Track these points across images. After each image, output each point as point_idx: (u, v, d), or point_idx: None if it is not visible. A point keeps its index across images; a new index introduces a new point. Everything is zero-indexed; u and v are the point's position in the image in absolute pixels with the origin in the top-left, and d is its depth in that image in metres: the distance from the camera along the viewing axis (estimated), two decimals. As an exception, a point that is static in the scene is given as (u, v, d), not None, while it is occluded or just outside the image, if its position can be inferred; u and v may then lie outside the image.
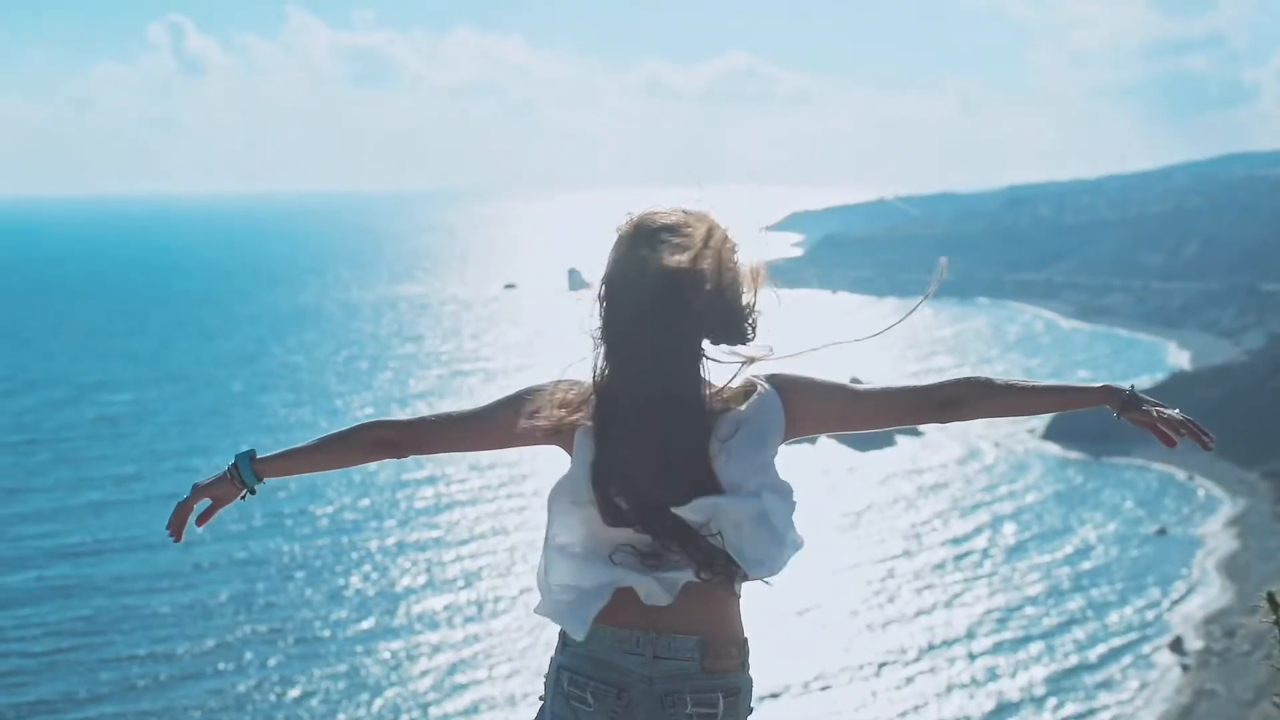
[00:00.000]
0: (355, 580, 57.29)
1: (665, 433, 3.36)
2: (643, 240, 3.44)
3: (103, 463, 73.68)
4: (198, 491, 3.62)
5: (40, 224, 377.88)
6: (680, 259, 3.39)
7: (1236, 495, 71.66)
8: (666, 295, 3.38)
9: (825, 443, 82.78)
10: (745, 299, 3.52)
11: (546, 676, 3.49)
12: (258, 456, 3.63)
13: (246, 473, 3.60)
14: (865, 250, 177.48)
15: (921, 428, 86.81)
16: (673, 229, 3.46)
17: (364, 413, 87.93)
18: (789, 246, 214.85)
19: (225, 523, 55.45)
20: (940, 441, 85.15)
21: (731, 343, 3.47)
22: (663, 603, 3.36)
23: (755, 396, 3.45)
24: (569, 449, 3.47)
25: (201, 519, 3.64)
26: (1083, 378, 77.25)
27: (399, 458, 3.63)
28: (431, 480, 71.63)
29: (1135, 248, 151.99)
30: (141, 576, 56.21)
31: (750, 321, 3.51)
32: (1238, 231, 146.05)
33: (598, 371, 3.45)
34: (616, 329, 3.42)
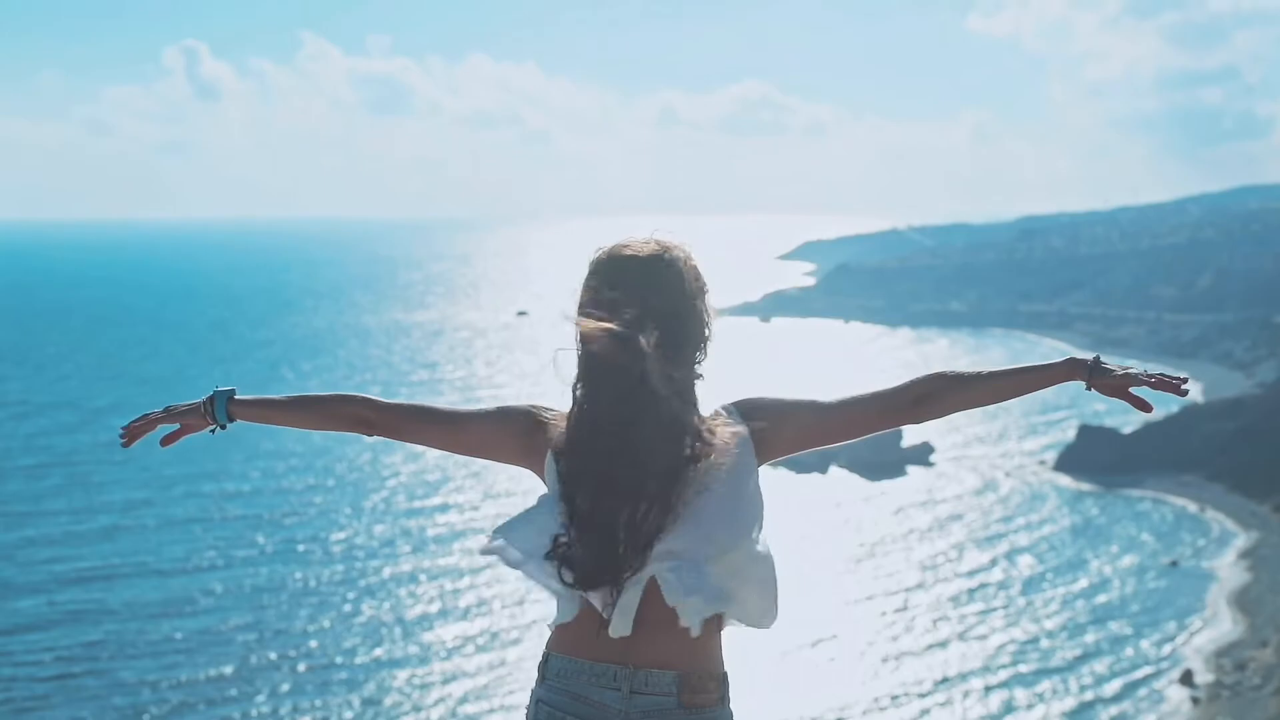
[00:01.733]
0: (367, 608, 57.17)
1: (638, 455, 3.35)
2: (612, 268, 3.49)
3: (114, 487, 73.71)
4: (170, 414, 3.66)
5: (54, 248, 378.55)
6: (646, 285, 3.44)
7: (1249, 528, 71.47)
8: (636, 321, 3.38)
9: (838, 473, 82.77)
10: (706, 330, 3.52)
11: (527, 709, 3.50)
12: (236, 396, 3.66)
13: (220, 411, 3.64)
14: (878, 280, 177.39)
15: (933, 458, 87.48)
16: (644, 262, 3.48)
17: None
18: (802, 276, 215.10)
19: (235, 549, 55.70)
20: (954, 473, 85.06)
21: (682, 369, 3.45)
22: (618, 626, 3.33)
23: (727, 441, 3.43)
24: (540, 472, 3.51)
25: (167, 440, 3.69)
26: (1099, 411, 77.17)
27: (369, 435, 3.68)
28: (445, 508, 71.67)
29: (1149, 279, 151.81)
30: (152, 602, 56.18)
31: (703, 349, 3.51)
32: (1251, 264, 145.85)
33: (575, 398, 3.47)
34: (591, 361, 3.44)
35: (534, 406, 3.58)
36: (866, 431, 3.55)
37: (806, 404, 3.52)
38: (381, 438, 3.68)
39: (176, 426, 3.67)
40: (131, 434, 3.65)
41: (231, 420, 3.66)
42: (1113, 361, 3.49)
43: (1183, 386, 3.41)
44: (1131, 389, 3.47)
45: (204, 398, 3.65)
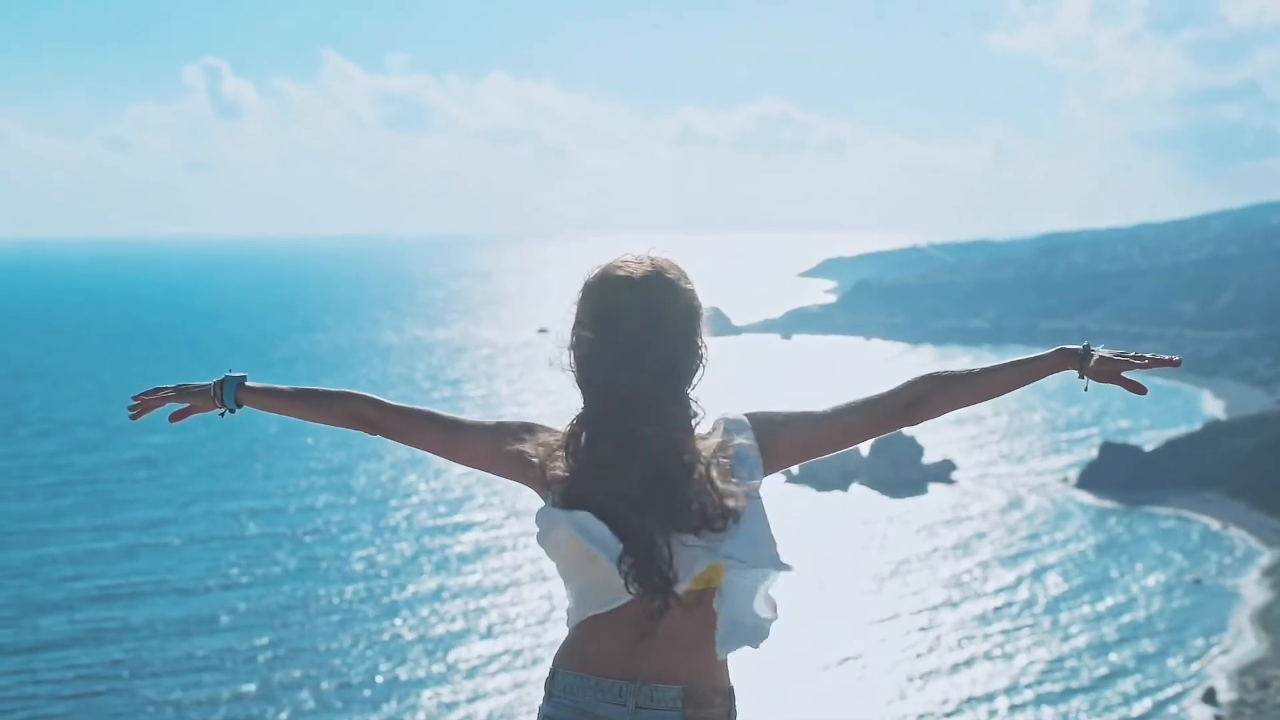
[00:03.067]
0: (389, 626, 57.16)
1: (642, 474, 3.35)
2: (609, 292, 3.49)
3: (135, 505, 73.91)
4: (181, 392, 3.73)
5: (75, 265, 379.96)
6: (647, 312, 3.44)
7: (1271, 545, 71.23)
8: (633, 349, 3.41)
9: (860, 491, 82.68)
10: (700, 355, 3.51)
11: None
12: (247, 383, 3.69)
13: (229, 396, 3.69)
14: (899, 297, 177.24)
15: (954, 475, 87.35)
16: (638, 285, 3.47)
17: (399, 453, 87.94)
18: (823, 293, 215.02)
19: (257, 567, 55.70)
20: (976, 490, 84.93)
21: (680, 389, 3.46)
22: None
23: (734, 453, 3.44)
24: (538, 489, 3.50)
25: (175, 416, 3.76)
26: (1121, 428, 77.07)
27: (370, 434, 3.71)
28: (468, 526, 71.70)
29: (1170, 296, 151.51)
30: (174, 620, 56.26)
31: (698, 368, 3.51)
32: (1273, 280, 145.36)
33: (575, 417, 3.49)
34: (589, 379, 3.47)
35: (534, 425, 3.59)
36: (865, 437, 3.59)
37: (804, 414, 3.55)
38: (384, 438, 3.70)
39: (186, 405, 3.73)
40: (143, 406, 3.75)
41: (239, 406, 3.70)
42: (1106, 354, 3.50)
43: (1176, 361, 3.48)
44: (1125, 373, 3.48)
45: (215, 380, 3.70)
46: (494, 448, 3.57)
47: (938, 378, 3.55)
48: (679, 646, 3.37)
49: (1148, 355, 3.47)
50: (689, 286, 3.52)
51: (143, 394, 3.73)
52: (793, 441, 3.52)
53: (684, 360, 3.47)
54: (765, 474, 3.48)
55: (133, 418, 3.79)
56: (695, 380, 3.49)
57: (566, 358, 3.51)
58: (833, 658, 52.81)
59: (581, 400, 3.49)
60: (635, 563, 3.30)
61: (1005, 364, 3.56)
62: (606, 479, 3.35)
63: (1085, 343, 3.51)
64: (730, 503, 3.34)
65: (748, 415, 3.53)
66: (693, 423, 3.44)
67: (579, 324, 3.50)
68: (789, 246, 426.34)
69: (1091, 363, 3.48)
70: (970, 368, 3.57)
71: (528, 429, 3.57)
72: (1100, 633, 59.45)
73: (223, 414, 3.72)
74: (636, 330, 3.42)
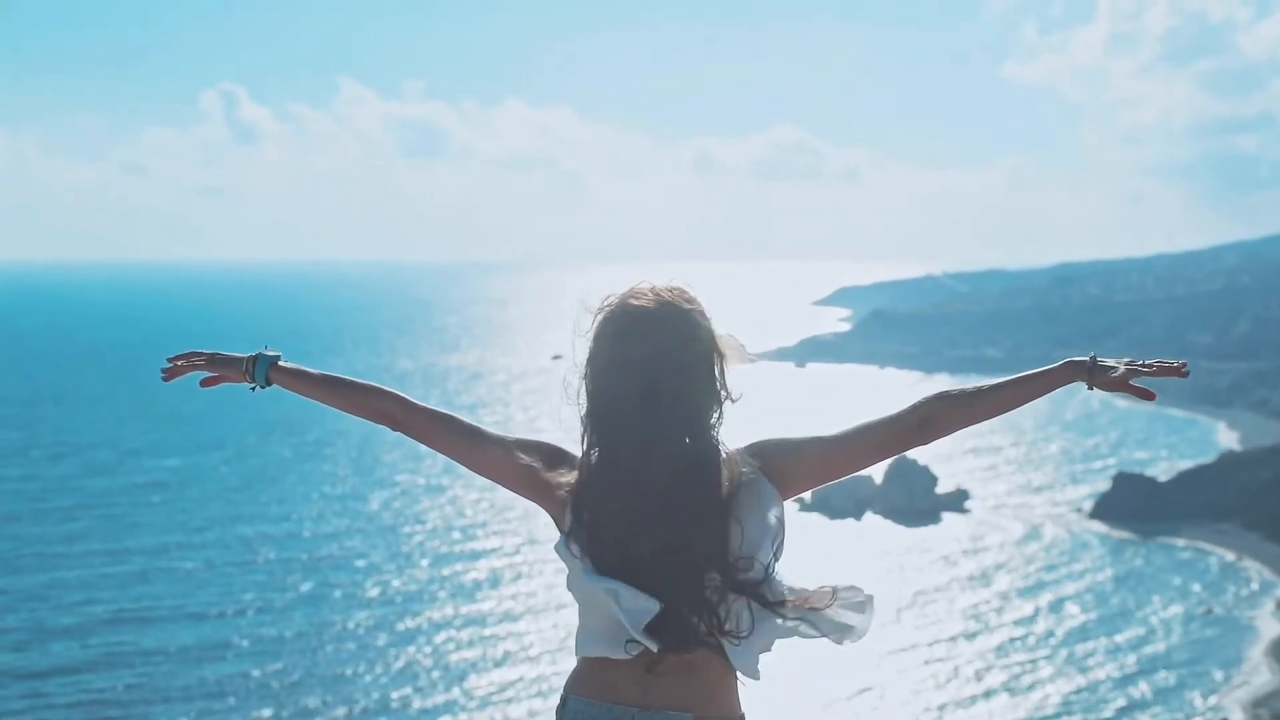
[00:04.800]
0: (404, 654, 57.01)
1: (646, 502, 3.34)
2: (623, 325, 3.45)
3: (148, 529, 73.91)
4: (213, 361, 3.74)
5: (90, 289, 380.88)
6: (658, 346, 3.41)
7: (1287, 578, 70.95)
8: (648, 384, 3.39)
9: (873, 520, 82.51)
10: (717, 379, 3.48)
11: None
12: (280, 363, 3.71)
13: (261, 374, 3.69)
14: (913, 326, 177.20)
15: (968, 504, 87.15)
16: (655, 317, 3.44)
17: (413, 479, 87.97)
18: (837, 321, 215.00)
19: (270, 592, 55.54)
20: (990, 520, 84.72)
21: (704, 422, 3.45)
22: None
23: (751, 488, 3.42)
24: (554, 513, 3.49)
25: (206, 383, 3.77)
26: (1136, 459, 76.89)
27: (393, 430, 3.69)
28: (483, 553, 71.59)
29: (1185, 326, 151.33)
30: (188, 646, 56.16)
31: (720, 399, 3.48)
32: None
33: (586, 450, 3.48)
34: (601, 415, 3.46)
35: (559, 449, 3.58)
36: (877, 459, 3.55)
37: (814, 439, 3.52)
38: (405, 435, 3.68)
39: (216, 373, 3.75)
40: (174, 372, 3.75)
41: (269, 384, 3.71)
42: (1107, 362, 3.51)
43: (1183, 370, 3.46)
44: (1132, 381, 3.47)
45: (249, 354, 3.72)
46: (513, 465, 3.57)
47: (947, 396, 3.52)
48: (691, 675, 3.35)
49: (1154, 362, 3.47)
50: (708, 317, 3.50)
51: (176, 358, 3.74)
52: (805, 468, 3.49)
53: (704, 401, 3.45)
54: (780, 499, 3.46)
55: (164, 380, 3.79)
56: (717, 414, 3.47)
57: (577, 394, 3.50)
58: (850, 688, 52.64)
59: (588, 440, 3.47)
60: (665, 634, 3.31)
61: (1014, 379, 3.54)
62: (624, 548, 3.34)
63: (1092, 354, 3.50)
64: (741, 626, 3.34)
65: (758, 444, 3.51)
66: (716, 463, 3.41)
67: (592, 360, 3.49)
68: (803, 275, 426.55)
69: (1098, 373, 3.47)
70: (980, 385, 3.54)
71: (558, 456, 3.56)
72: (1117, 665, 59.23)
73: (253, 389, 3.73)
74: (652, 369, 3.40)
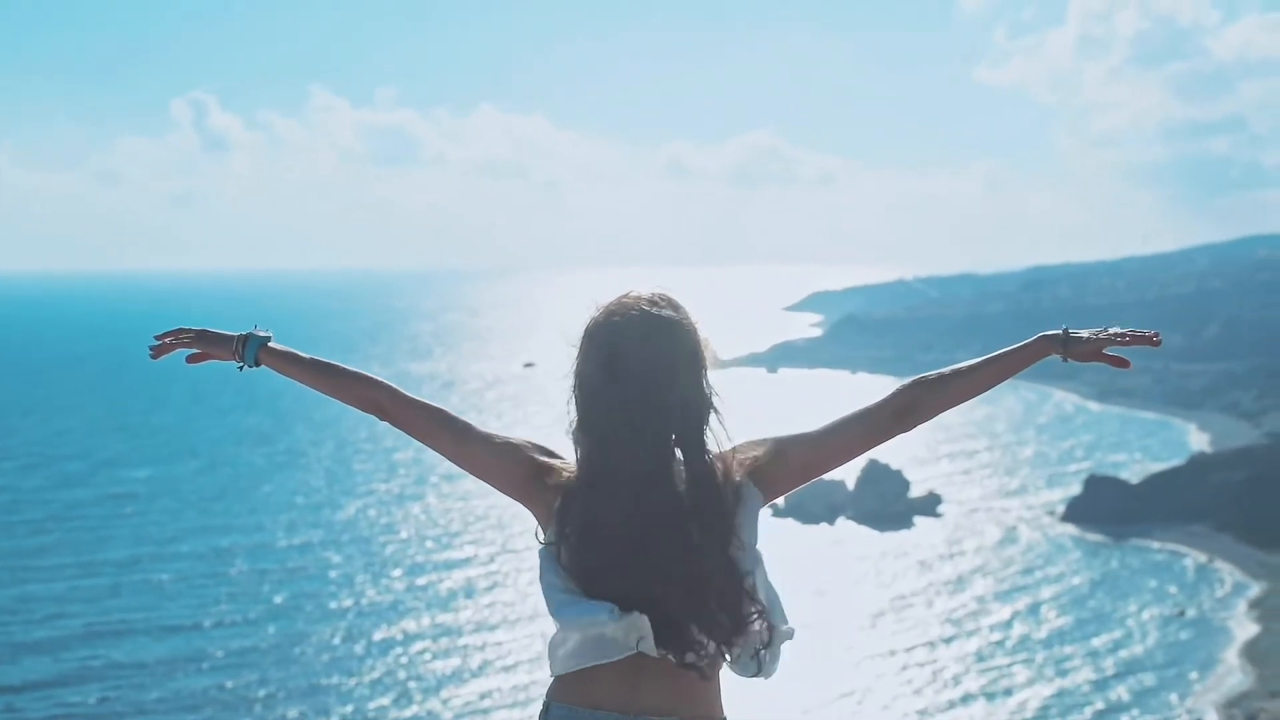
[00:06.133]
0: (380, 665, 56.62)
1: (644, 520, 3.33)
2: (612, 336, 3.45)
3: (120, 541, 73.44)
4: (202, 338, 3.73)
5: (64, 299, 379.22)
6: (649, 357, 3.41)
7: (1258, 578, 71.21)
8: (640, 397, 3.38)
9: (846, 525, 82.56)
10: (707, 387, 3.49)
11: None
12: (270, 345, 3.70)
13: (250, 354, 3.70)
14: (886, 330, 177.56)
15: (940, 509, 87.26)
16: (644, 327, 3.43)
17: (387, 488, 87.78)
18: (809, 326, 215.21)
19: (246, 605, 55.13)
20: (962, 524, 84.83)
21: (699, 433, 3.44)
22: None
23: (745, 499, 3.43)
24: (538, 513, 3.49)
25: (192, 359, 3.78)
26: (1117, 462, 77.06)
27: (380, 420, 3.70)
28: (461, 563, 71.32)
29: (1156, 329, 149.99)
30: (161, 659, 55.74)
31: (712, 406, 3.48)
32: (1259, 313, 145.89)
33: (578, 462, 3.46)
34: (592, 428, 3.44)
35: (549, 452, 3.55)
36: (860, 451, 3.56)
37: (798, 437, 3.53)
38: (393, 426, 3.70)
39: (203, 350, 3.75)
40: (161, 349, 3.75)
41: (258, 365, 3.71)
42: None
43: (1155, 339, 3.56)
44: (1106, 350, 3.53)
45: (240, 333, 3.71)
46: (500, 465, 3.55)
47: (924, 382, 3.54)
48: (675, 679, 3.34)
49: (1127, 331, 3.53)
50: (696, 327, 3.50)
51: (165, 334, 3.73)
52: (793, 468, 3.50)
53: (698, 411, 3.45)
54: (767, 499, 3.48)
55: (152, 357, 3.78)
56: (709, 429, 3.45)
57: (572, 400, 3.49)
58: (830, 693, 52.63)
59: (580, 453, 3.46)
60: (667, 643, 3.32)
61: (989, 357, 3.59)
62: (616, 565, 3.33)
63: (1064, 326, 3.56)
64: (750, 634, 3.36)
65: (743, 446, 3.50)
66: (719, 491, 3.40)
67: (581, 372, 3.49)
68: (775, 280, 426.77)
69: (1072, 345, 3.53)
70: (956, 366, 3.57)
71: (547, 459, 3.54)
72: (1094, 668, 59.32)
73: (241, 368, 3.73)
74: (644, 381, 3.40)
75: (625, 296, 3.50)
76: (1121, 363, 3.53)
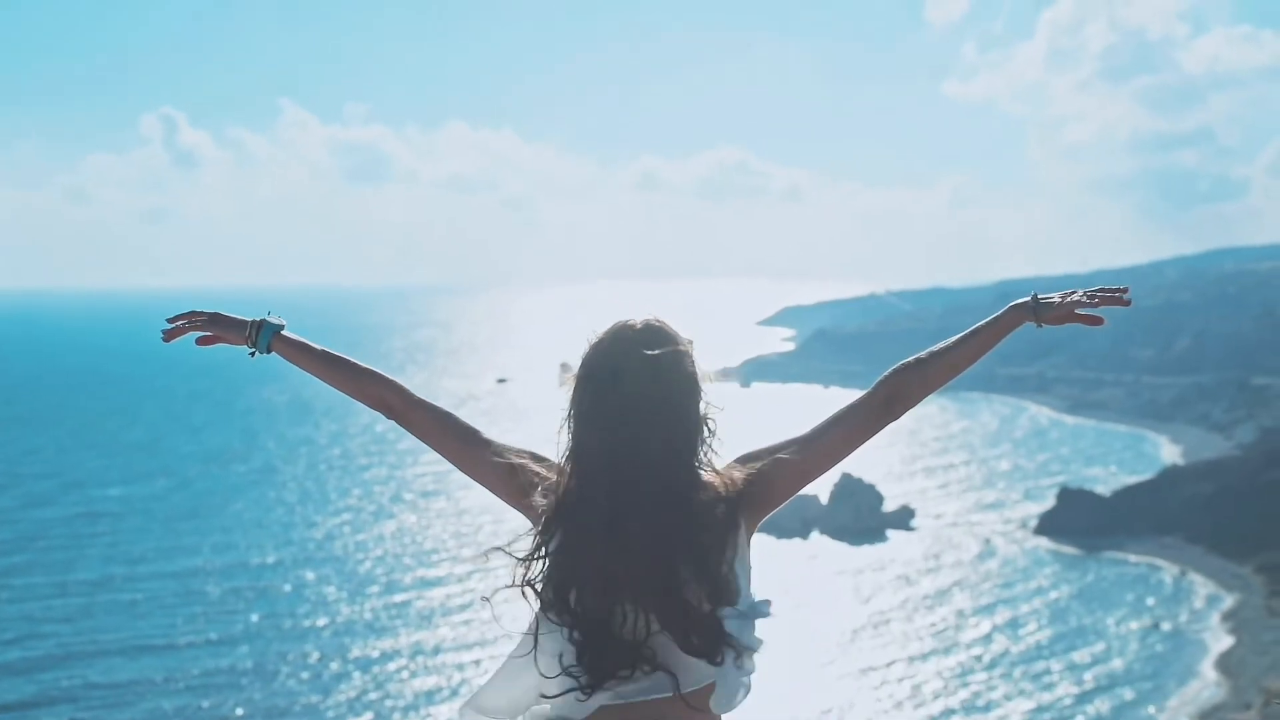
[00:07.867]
0: (359, 685, 56.36)
1: (626, 544, 3.28)
2: (611, 364, 3.40)
3: (91, 561, 73.02)
4: (215, 321, 3.68)
5: (34, 317, 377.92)
6: (644, 387, 3.36)
7: (1230, 590, 71.47)
8: (637, 422, 3.33)
9: (820, 539, 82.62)
10: (702, 412, 3.44)
11: None
12: (284, 333, 3.67)
13: (263, 341, 3.65)
14: (857, 345, 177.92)
15: (914, 522, 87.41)
16: (635, 355, 3.38)
17: (361, 505, 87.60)
18: (781, 341, 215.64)
19: (219, 625, 54.78)
20: (936, 537, 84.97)
21: (692, 465, 3.39)
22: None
23: (736, 528, 3.40)
24: (529, 516, 3.46)
25: (202, 341, 3.71)
26: (1090, 474, 77.27)
27: (387, 418, 3.71)
28: (438, 581, 71.05)
29: (1126, 342, 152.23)
30: (134, 680, 55.43)
31: (706, 433, 3.44)
32: (1228, 325, 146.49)
33: (568, 487, 3.40)
34: (583, 458, 3.39)
35: (545, 465, 3.52)
36: (854, 445, 3.55)
37: (789, 444, 3.50)
38: (400, 426, 3.71)
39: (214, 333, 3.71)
40: (174, 332, 3.70)
41: (270, 352, 3.67)
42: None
43: (1124, 296, 3.55)
44: (1078, 310, 3.54)
45: (254, 319, 3.67)
46: (502, 473, 3.54)
47: (904, 368, 3.54)
48: (670, 712, 3.29)
49: (1095, 290, 3.56)
50: (693, 356, 3.47)
51: (177, 316, 3.70)
52: (790, 479, 3.47)
53: (691, 442, 3.40)
54: (765, 511, 3.46)
55: (164, 340, 3.74)
56: (703, 452, 3.42)
57: (567, 428, 3.43)
58: (810, 710, 52.60)
59: (568, 480, 3.40)
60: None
61: (965, 334, 3.58)
62: (594, 598, 3.30)
63: (1034, 293, 3.57)
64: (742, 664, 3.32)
65: (741, 460, 3.47)
66: (713, 523, 3.37)
67: (576, 403, 3.43)
68: (747, 294, 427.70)
69: (1043, 310, 3.54)
70: (933, 349, 3.57)
71: (546, 470, 3.50)
72: (1071, 681, 59.44)
73: (252, 354, 3.68)
74: (639, 412, 3.35)
75: (621, 325, 3.45)
76: (1095, 320, 3.55)
